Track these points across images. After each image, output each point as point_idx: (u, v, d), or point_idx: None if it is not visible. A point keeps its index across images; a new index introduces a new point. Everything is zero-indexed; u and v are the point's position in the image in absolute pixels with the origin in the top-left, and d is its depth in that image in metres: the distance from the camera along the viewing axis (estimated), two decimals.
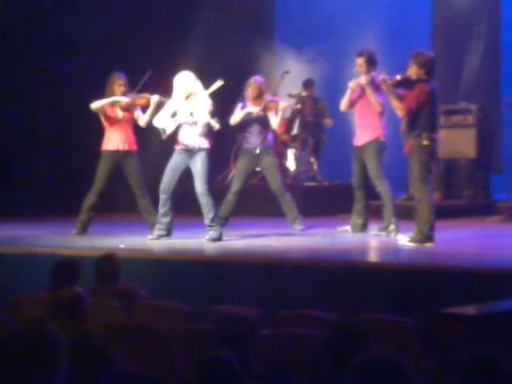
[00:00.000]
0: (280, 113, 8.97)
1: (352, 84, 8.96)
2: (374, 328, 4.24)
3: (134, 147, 9.12)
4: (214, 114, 8.50)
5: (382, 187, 8.91)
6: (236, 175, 9.35)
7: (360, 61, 8.94)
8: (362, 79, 8.86)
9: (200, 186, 8.47)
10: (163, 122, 8.60)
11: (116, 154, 9.07)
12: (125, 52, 11.23)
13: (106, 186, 9.05)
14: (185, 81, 8.53)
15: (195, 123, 8.49)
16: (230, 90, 9.09)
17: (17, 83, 11.29)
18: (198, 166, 8.48)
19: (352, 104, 9.04)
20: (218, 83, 8.58)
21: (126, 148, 9.07)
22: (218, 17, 11.70)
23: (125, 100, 8.98)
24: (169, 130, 8.59)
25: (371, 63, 8.92)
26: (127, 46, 11.52)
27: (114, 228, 9.72)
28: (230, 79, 8.71)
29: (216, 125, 8.47)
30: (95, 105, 9.01)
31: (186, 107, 8.51)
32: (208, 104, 8.47)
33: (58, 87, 11.49)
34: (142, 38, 11.75)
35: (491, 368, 3.32)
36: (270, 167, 9.09)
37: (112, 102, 9.00)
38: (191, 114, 8.50)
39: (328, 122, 11.61)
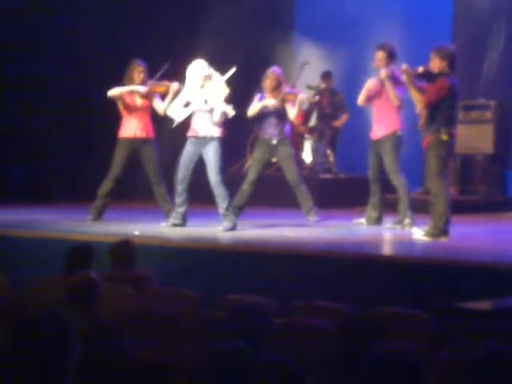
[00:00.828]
0: (297, 105, 8.92)
1: (370, 81, 8.94)
2: (388, 321, 4.21)
3: (152, 135, 9.12)
4: (229, 101, 8.48)
5: (398, 181, 8.89)
6: (252, 165, 9.34)
7: (380, 54, 8.88)
8: (382, 73, 8.82)
9: (213, 175, 8.46)
10: (176, 111, 8.61)
11: (133, 141, 9.07)
12: (142, 42, 11.17)
13: (123, 172, 9.06)
14: (199, 69, 8.52)
15: (210, 111, 8.47)
16: (247, 80, 9.07)
17: (31, 66, 11.24)
18: (211, 156, 8.47)
19: (369, 99, 9.01)
20: (232, 70, 8.57)
21: (144, 136, 9.08)
22: (237, 7, 11.65)
23: (142, 89, 8.96)
24: (179, 119, 8.60)
25: (391, 57, 8.88)
26: (145, 35, 11.48)
27: (130, 215, 9.75)
28: (245, 69, 8.68)
29: (231, 112, 8.44)
30: (112, 92, 9.00)
31: (200, 95, 8.49)
32: (224, 91, 8.45)
33: (75, 72, 11.44)
34: (160, 29, 11.70)
35: (506, 363, 3.28)
36: (286, 158, 9.06)
37: (130, 90, 8.99)
38: (206, 101, 8.49)
39: (341, 122, 11.57)
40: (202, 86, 8.50)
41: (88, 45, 11.31)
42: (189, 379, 3.69)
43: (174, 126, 8.68)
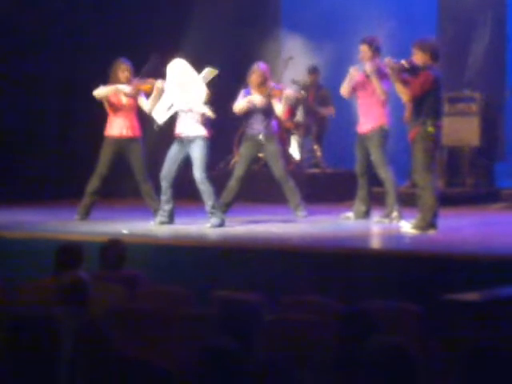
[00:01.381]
0: (284, 100, 8.93)
1: (352, 70, 8.95)
2: (379, 314, 4.23)
3: (138, 133, 9.12)
4: (210, 102, 8.48)
5: (386, 174, 8.91)
6: (239, 161, 9.34)
7: (364, 48, 8.92)
8: (367, 67, 8.84)
9: (198, 173, 8.49)
10: (159, 113, 8.64)
11: (119, 140, 9.07)
12: (128, 38, 11.16)
13: (109, 171, 9.05)
14: (179, 69, 8.53)
15: (191, 111, 8.49)
16: (233, 75, 9.07)
17: (22, 69, 11.24)
18: (196, 154, 8.51)
19: (354, 90, 9.02)
20: (214, 72, 8.55)
21: (130, 134, 9.08)
22: (223, 2, 11.64)
23: (127, 89, 8.95)
24: (160, 121, 8.63)
25: (375, 50, 8.90)
26: (131, 32, 11.45)
27: (117, 213, 9.71)
28: (231, 64, 8.67)
29: (211, 114, 8.46)
30: (98, 92, 8.99)
31: (181, 95, 8.51)
32: (203, 92, 8.45)
33: (61, 73, 11.43)
34: (145, 24, 11.66)
35: (493, 354, 3.30)
36: (273, 154, 9.06)
37: (115, 90, 8.98)
38: (186, 102, 8.51)
39: (328, 111, 11.55)
40: (182, 86, 8.52)
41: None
42: (180, 376, 3.70)
43: (155, 127, 8.71)
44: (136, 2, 11.81)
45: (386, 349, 3.22)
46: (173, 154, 8.61)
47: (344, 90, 9.07)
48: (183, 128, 8.57)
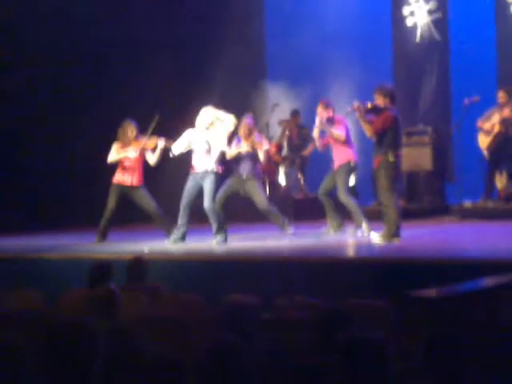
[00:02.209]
0: (263, 152, 8.89)
1: (315, 131, 9.09)
2: (356, 310, 4.21)
3: (140, 183, 9.03)
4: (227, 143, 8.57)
5: (346, 200, 8.89)
6: (223, 189, 9.14)
7: (319, 109, 9.08)
8: (317, 121, 8.99)
9: (207, 203, 8.52)
10: (176, 146, 8.64)
11: (123, 187, 8.99)
12: (136, 98, 11.10)
13: (116, 210, 8.96)
14: (207, 114, 8.55)
15: (208, 150, 8.53)
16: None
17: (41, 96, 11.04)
18: (208, 187, 8.53)
19: (325, 145, 9.12)
20: (231, 123, 8.59)
21: (133, 184, 8.99)
22: (221, 62, 11.70)
23: (133, 155, 8.90)
24: (176, 152, 8.63)
25: (326, 107, 9.00)
26: (139, 93, 11.37)
27: (138, 236, 9.66)
28: (227, 111, 8.69)
29: (228, 150, 8.62)
30: (111, 159, 8.97)
31: (203, 136, 8.53)
32: (224, 137, 8.48)
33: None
34: (151, 86, 11.52)
35: (449, 343, 3.28)
36: (254, 190, 8.90)
37: (124, 156, 8.95)
38: (207, 141, 8.54)
39: (309, 150, 11.49)
40: (207, 129, 8.56)
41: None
42: (196, 372, 3.67)
43: (171, 155, 8.70)
44: (141, 59, 11.71)
45: (359, 339, 3.20)
46: (189, 188, 8.62)
47: (317, 146, 9.24)
48: (198, 164, 8.60)
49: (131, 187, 8.99)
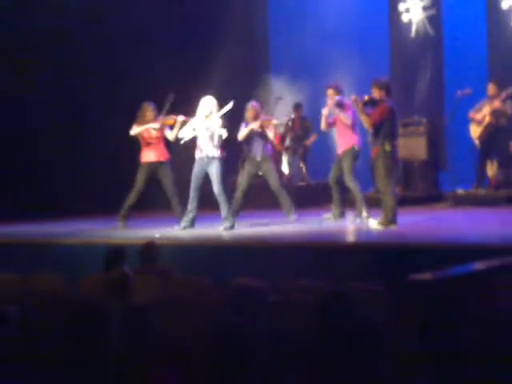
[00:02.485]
0: (273, 127, 9.00)
1: (324, 111, 8.99)
2: (355, 293, 4.19)
3: (165, 158, 9.09)
4: (224, 127, 8.50)
5: (352, 184, 8.87)
6: (242, 178, 9.31)
7: (329, 92, 8.96)
8: (330, 104, 8.93)
9: (216, 187, 8.46)
10: (185, 133, 8.61)
11: (151, 165, 9.05)
12: (152, 83, 11.08)
13: (144, 189, 9.04)
14: (207, 103, 8.52)
15: (211, 136, 8.49)
16: (236, 112, 9.07)
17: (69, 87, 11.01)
18: (214, 172, 8.48)
19: (330, 125, 9.07)
20: (229, 106, 8.57)
21: (159, 159, 9.05)
22: (228, 61, 11.67)
23: (156, 125, 8.96)
24: (186, 138, 8.62)
25: (337, 91, 8.94)
26: (155, 79, 11.33)
27: (150, 222, 9.65)
28: (234, 105, 8.67)
29: (225, 134, 8.47)
30: (134, 131, 9.02)
31: (204, 123, 8.51)
32: (220, 122, 8.46)
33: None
34: (166, 74, 11.50)
35: (443, 325, 3.26)
36: (268, 171, 9.08)
37: (146, 128, 9.00)
38: (207, 128, 8.51)
39: (311, 140, 11.51)
40: (207, 117, 8.54)
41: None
42: (205, 349, 3.66)
43: (182, 142, 8.68)
44: (150, 61, 11.68)
45: (358, 320, 3.19)
46: (196, 173, 8.57)
47: (323, 127, 9.12)
48: (203, 148, 8.54)
49: (159, 163, 8.99)
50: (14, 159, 10.58)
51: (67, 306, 4.01)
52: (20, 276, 5.90)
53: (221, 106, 8.61)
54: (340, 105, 8.89)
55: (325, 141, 10.29)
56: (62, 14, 10.85)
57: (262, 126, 8.95)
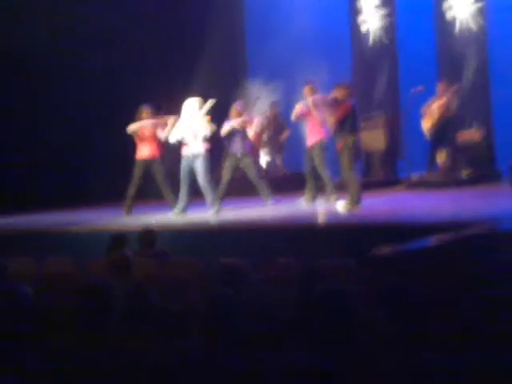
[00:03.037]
0: (254, 126, 8.97)
1: (298, 106, 8.96)
2: (327, 268, 4.20)
3: (158, 155, 9.04)
4: (210, 123, 8.51)
5: (323, 173, 8.89)
6: (225, 170, 9.26)
7: (306, 89, 8.95)
8: (309, 101, 8.88)
9: (201, 180, 8.48)
10: (173, 135, 8.57)
11: (146, 161, 9.00)
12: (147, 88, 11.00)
13: (141, 183, 8.99)
14: (190, 104, 8.46)
15: (196, 135, 8.46)
16: (218, 111, 9.04)
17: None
18: (199, 166, 8.47)
19: (299, 117, 9.07)
20: (210, 103, 8.56)
21: (152, 156, 9.01)
22: (209, 64, 11.59)
23: (150, 123, 8.95)
24: (172, 140, 8.59)
25: (313, 90, 8.92)
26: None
27: (147, 209, 9.62)
28: (217, 104, 8.66)
29: (212, 128, 8.48)
30: (131, 128, 8.98)
31: (190, 123, 8.47)
32: (204, 119, 8.41)
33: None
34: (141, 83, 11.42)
35: (404, 294, 3.27)
36: (247, 164, 9.03)
37: (141, 125, 8.97)
38: (193, 128, 8.48)
39: (285, 136, 11.51)
40: (192, 116, 8.51)
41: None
42: (197, 320, 3.66)
43: (171, 143, 8.65)
44: (144, 64, 11.57)
45: (331, 291, 3.19)
46: (184, 167, 8.56)
47: (293, 117, 9.13)
48: (189, 147, 8.50)
49: (153, 159, 8.93)
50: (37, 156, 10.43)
51: (77, 286, 3.99)
52: (34, 259, 5.86)
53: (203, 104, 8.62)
54: (315, 102, 8.89)
55: (298, 136, 10.28)
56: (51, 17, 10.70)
57: (243, 125, 8.91)
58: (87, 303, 3.45)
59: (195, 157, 8.48)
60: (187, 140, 8.53)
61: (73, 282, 4.69)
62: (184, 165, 8.56)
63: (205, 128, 8.44)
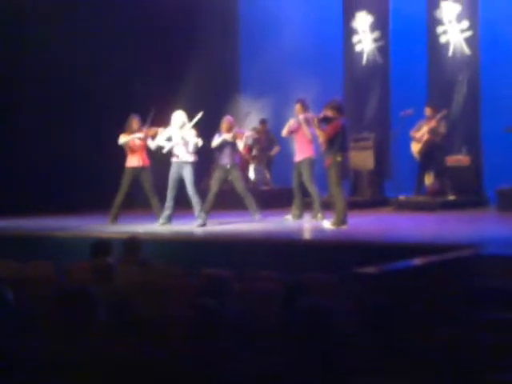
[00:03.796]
0: (244, 139, 9.00)
1: (291, 122, 9.02)
2: (310, 284, 4.20)
3: (147, 164, 9.06)
4: (198, 136, 8.57)
5: (312, 189, 8.92)
6: (214, 182, 9.28)
7: (298, 106, 9.00)
8: (301, 118, 8.93)
9: (189, 189, 8.50)
10: (164, 144, 8.60)
11: (135, 169, 9.00)
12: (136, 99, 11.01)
13: (129, 190, 8.99)
14: (179, 116, 8.55)
15: (185, 143, 8.52)
16: (209, 125, 9.07)
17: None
18: (187, 175, 8.51)
19: (290, 133, 9.12)
20: (199, 115, 8.63)
21: (141, 165, 9.02)
22: (202, 79, 11.64)
23: (140, 136, 8.96)
24: (165, 149, 8.62)
25: (305, 107, 8.97)
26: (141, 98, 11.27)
27: (133, 219, 9.58)
28: (208, 118, 8.74)
29: (200, 142, 8.56)
30: (122, 140, 8.99)
31: (179, 133, 8.52)
32: (192, 131, 8.49)
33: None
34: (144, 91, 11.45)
35: (384, 312, 3.27)
36: (235, 177, 9.03)
37: (132, 138, 8.98)
38: (182, 137, 8.53)
39: (275, 151, 11.59)
40: (181, 127, 8.57)
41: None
42: (180, 327, 3.65)
43: (164, 151, 8.69)
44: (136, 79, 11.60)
45: (313, 306, 3.19)
46: (172, 176, 8.61)
47: (283, 133, 9.17)
48: (179, 154, 8.58)
49: (141, 168, 8.95)
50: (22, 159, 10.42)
51: (57, 291, 3.96)
52: (15, 262, 5.82)
53: (192, 116, 8.67)
54: (306, 120, 8.94)
55: (287, 152, 10.32)
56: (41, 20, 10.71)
57: (234, 138, 8.95)
58: (66, 310, 3.41)
59: (184, 165, 8.55)
60: (177, 148, 8.61)
61: (53, 286, 4.65)
62: (172, 171, 8.65)
63: (193, 139, 8.54)
